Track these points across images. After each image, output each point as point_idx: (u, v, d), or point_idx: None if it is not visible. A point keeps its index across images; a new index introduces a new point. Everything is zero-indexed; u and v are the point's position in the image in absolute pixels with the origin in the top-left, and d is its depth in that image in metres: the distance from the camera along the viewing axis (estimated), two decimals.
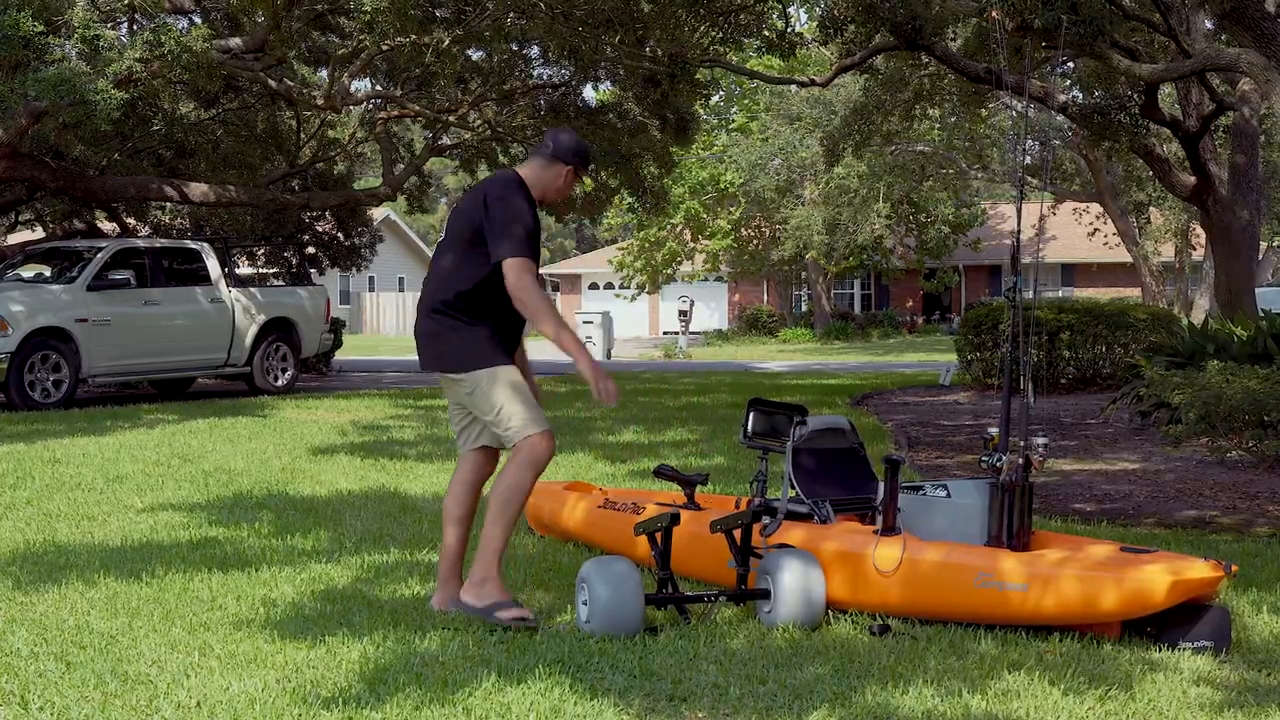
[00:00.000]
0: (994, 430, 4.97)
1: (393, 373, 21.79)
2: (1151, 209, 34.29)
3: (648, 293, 42.64)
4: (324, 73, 18.21)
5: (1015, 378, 5.04)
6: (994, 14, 10.94)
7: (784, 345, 37.66)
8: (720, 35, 15.33)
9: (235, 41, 15.17)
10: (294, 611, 4.95)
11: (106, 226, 19.74)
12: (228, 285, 16.04)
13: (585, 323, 28.96)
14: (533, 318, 4.73)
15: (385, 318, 48.13)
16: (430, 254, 5.52)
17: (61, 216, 19.28)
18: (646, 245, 40.12)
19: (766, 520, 5.21)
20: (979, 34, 14.08)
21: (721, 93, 37.54)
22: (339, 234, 22.00)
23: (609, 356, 28.67)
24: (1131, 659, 4.33)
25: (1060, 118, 21.86)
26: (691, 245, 40.65)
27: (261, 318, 16.31)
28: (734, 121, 39.89)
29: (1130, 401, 11.07)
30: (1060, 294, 38.53)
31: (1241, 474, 8.78)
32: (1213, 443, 9.09)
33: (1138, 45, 15.29)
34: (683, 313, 32.65)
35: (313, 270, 21.52)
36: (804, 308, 44.03)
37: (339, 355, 22.06)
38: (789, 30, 16.06)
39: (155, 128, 17.29)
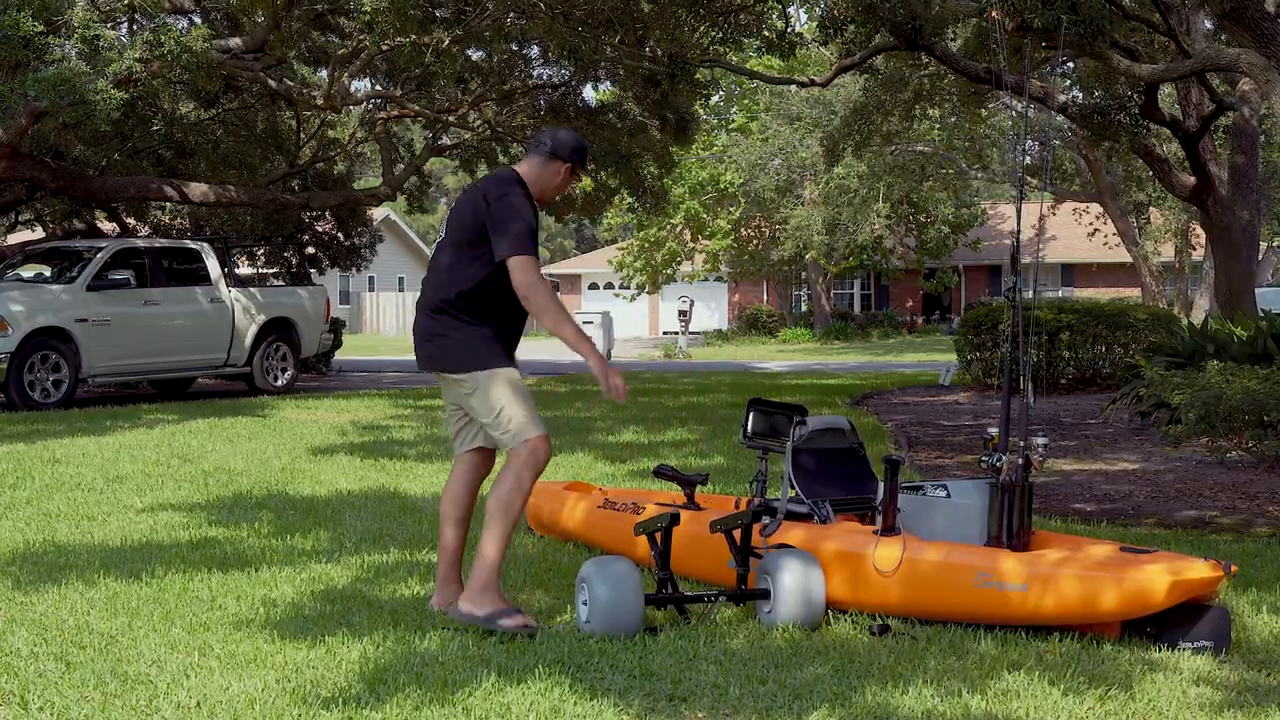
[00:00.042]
0: (994, 430, 4.98)
1: (393, 373, 21.79)
2: (1151, 209, 34.29)
3: (647, 293, 42.65)
4: (324, 73, 18.21)
5: (1015, 378, 5.04)
6: (994, 14, 10.94)
7: (784, 345, 37.67)
8: (720, 35, 15.34)
9: (235, 41, 15.17)
10: (294, 611, 4.95)
11: (106, 226, 19.74)
12: (228, 285, 16.05)
13: (585, 323, 28.93)
14: (540, 315, 4.70)
15: (385, 318, 48.12)
16: (430, 254, 5.39)
17: (61, 216, 19.28)
18: (646, 245, 40.13)
19: (766, 520, 5.21)
20: (979, 34, 14.08)
21: (721, 93, 37.55)
22: (339, 234, 22.00)
23: (609, 357, 28.68)
24: (1131, 659, 4.33)
25: (1060, 118, 21.87)
26: (691, 245, 40.66)
27: (261, 318, 16.32)
28: (734, 121, 39.89)
29: (1130, 402, 11.07)
30: (1060, 294, 38.54)
31: (1241, 474, 8.78)
32: (1213, 443, 9.09)
33: (1138, 45, 15.29)
34: (682, 313, 32.65)
35: (312, 270, 21.53)
36: (804, 308, 44.03)
37: (339, 355, 22.07)
38: (789, 30, 16.07)
39: (155, 128, 17.29)
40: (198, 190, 16.62)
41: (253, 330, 16.16)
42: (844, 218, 36.21)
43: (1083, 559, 4.58)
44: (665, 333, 43.64)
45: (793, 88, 29.77)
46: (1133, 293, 34.86)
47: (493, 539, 4.65)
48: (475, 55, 17.61)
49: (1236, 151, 15.93)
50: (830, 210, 36.24)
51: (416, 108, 18.20)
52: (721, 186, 38.83)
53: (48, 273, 15.94)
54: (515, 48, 17.27)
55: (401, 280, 50.62)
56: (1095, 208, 34.18)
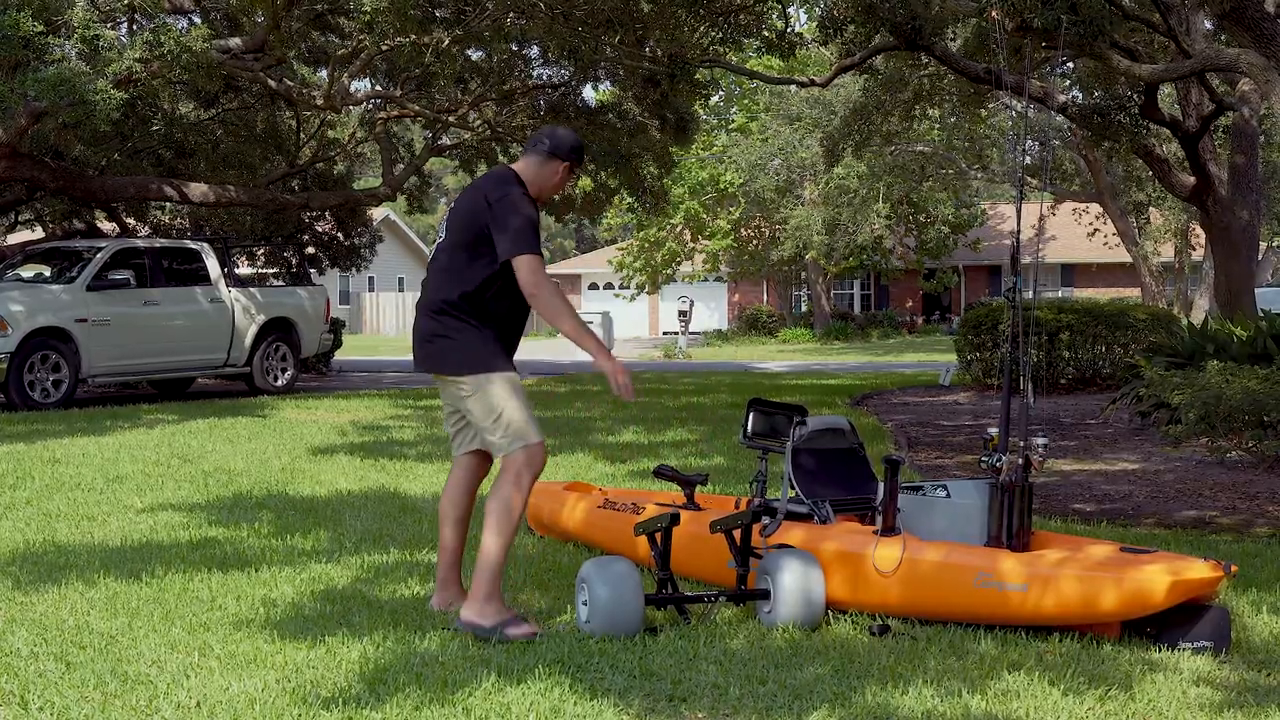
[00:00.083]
0: (994, 430, 4.98)
1: (392, 373, 21.79)
2: (1151, 209, 34.29)
3: (647, 293, 42.65)
4: (324, 73, 18.21)
5: (1015, 378, 5.04)
6: (994, 14, 10.94)
7: (784, 345, 37.66)
8: (720, 35, 15.33)
9: (235, 41, 15.17)
10: (294, 611, 4.95)
11: (106, 226, 19.74)
12: (227, 285, 16.05)
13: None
14: (548, 314, 4.67)
15: (385, 318, 48.12)
16: (429, 254, 5.33)
17: (61, 216, 19.28)
18: (646, 245, 40.12)
19: (766, 520, 5.21)
20: (979, 34, 14.07)
21: (721, 93, 37.54)
22: (339, 234, 22.00)
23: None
24: (1131, 659, 4.33)
25: (1060, 118, 21.87)
26: (691, 245, 40.66)
27: (261, 318, 16.32)
28: (734, 122, 39.90)
29: (1130, 402, 11.07)
30: (1060, 294, 38.54)
31: (1241, 474, 8.78)
32: (1212, 443, 9.09)
33: (1137, 45, 15.29)
34: (682, 313, 32.65)
35: (312, 270, 21.52)
36: (804, 308, 44.04)
37: (339, 355, 22.07)
38: (789, 30, 16.07)
39: (155, 128, 17.29)
40: (198, 190, 16.62)
41: (253, 330, 16.17)
42: (844, 218, 36.22)
43: (1083, 559, 4.58)
44: (665, 333, 43.65)
45: (792, 88, 29.78)
46: (1133, 293, 34.87)
47: (494, 548, 4.61)
48: (475, 55, 17.61)
49: (1236, 151, 15.93)
50: (830, 210, 36.24)
51: (416, 108, 18.20)
52: (721, 186, 38.83)
53: (48, 273, 15.94)
54: (515, 48, 17.27)
55: (401, 280, 50.62)
56: (1095, 208, 34.19)
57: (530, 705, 3.82)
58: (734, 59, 20.36)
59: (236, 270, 17.94)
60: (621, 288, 43.86)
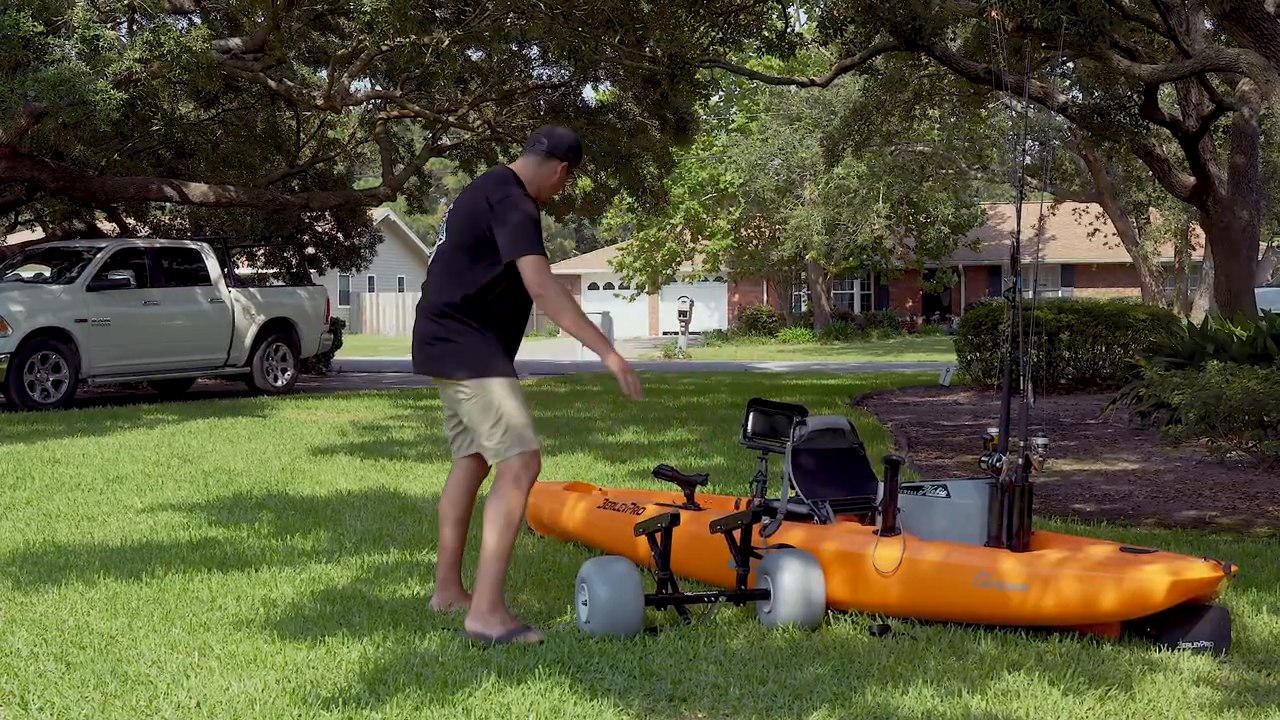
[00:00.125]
0: (994, 430, 4.98)
1: (392, 373, 21.79)
2: (1151, 209, 34.30)
3: (647, 293, 42.65)
4: (324, 73, 18.21)
5: (1015, 378, 5.04)
6: (994, 14, 10.94)
7: (784, 345, 37.66)
8: (720, 35, 15.33)
9: (235, 42, 15.17)
10: (294, 612, 4.95)
11: (106, 226, 19.74)
12: (227, 285, 16.04)
13: None
14: (555, 314, 4.63)
15: (385, 318, 48.13)
16: (430, 254, 5.30)
17: (61, 216, 19.28)
18: (646, 245, 40.12)
19: (766, 520, 5.21)
20: (979, 34, 14.07)
21: (721, 93, 37.54)
22: (339, 234, 22.00)
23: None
24: (1131, 659, 4.33)
25: (1060, 118, 21.86)
26: (691, 245, 40.66)
27: (261, 318, 16.32)
28: (734, 122, 39.90)
29: (1130, 402, 11.07)
30: (1060, 294, 38.53)
31: (1241, 474, 8.78)
32: (1212, 443, 9.09)
33: (1137, 45, 15.28)
34: (682, 313, 32.65)
35: (312, 270, 21.53)
36: (804, 308, 44.04)
37: (339, 355, 22.06)
38: (789, 30, 16.07)
39: (155, 128, 17.29)
40: (197, 190, 16.62)
41: (253, 330, 16.16)
42: (844, 218, 36.22)
43: (1083, 559, 4.58)
44: (665, 333, 43.65)
45: (792, 88, 29.78)
46: (1132, 293, 34.86)
47: (495, 558, 4.58)
48: (475, 55, 17.61)
49: (1236, 151, 15.93)
50: (830, 210, 36.24)
51: (416, 108, 18.20)
52: (721, 187, 38.83)
53: (48, 273, 15.93)
54: (515, 48, 17.27)
55: (401, 280, 50.63)
56: (1095, 208, 34.19)
57: (530, 705, 3.82)
58: (734, 59, 20.35)
59: (236, 270, 17.94)
60: (621, 288, 43.86)
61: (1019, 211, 5.45)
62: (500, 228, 4.63)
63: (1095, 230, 36.45)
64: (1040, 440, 4.91)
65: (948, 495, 5.13)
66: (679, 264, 40.76)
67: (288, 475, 8.66)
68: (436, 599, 5.01)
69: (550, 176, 4.87)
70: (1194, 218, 27.87)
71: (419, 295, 4.95)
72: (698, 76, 16.93)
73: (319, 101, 16.35)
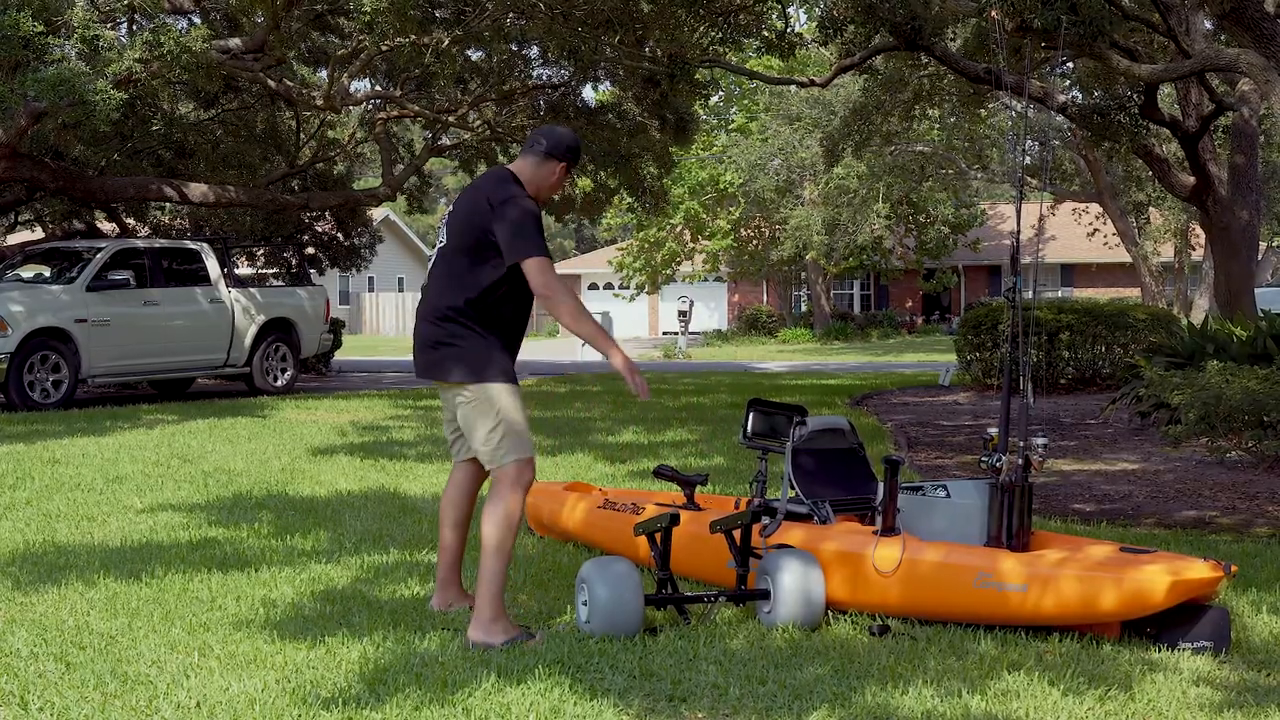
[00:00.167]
0: (993, 431, 4.98)
1: (392, 373, 21.79)
2: (1151, 209, 34.30)
3: (647, 293, 42.65)
4: (324, 73, 18.22)
5: (1015, 378, 5.04)
6: (994, 14, 10.94)
7: (783, 345, 37.67)
8: (720, 35, 15.33)
9: (235, 42, 15.17)
10: (294, 612, 4.95)
11: (106, 227, 19.74)
12: (227, 285, 16.05)
13: None
14: (562, 316, 4.61)
15: (385, 318, 48.14)
16: (430, 255, 5.25)
17: (61, 217, 19.29)
18: (646, 245, 40.12)
19: (766, 521, 5.21)
20: (978, 34, 14.08)
21: (721, 93, 37.54)
22: (339, 234, 22.00)
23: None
24: (1131, 659, 4.33)
25: (1060, 118, 21.86)
26: (691, 245, 40.66)
27: (261, 318, 16.32)
28: (733, 122, 39.90)
29: (1130, 402, 11.07)
30: (1060, 294, 38.54)
31: (1241, 474, 8.78)
32: (1212, 443, 9.09)
33: (1137, 46, 15.29)
34: (682, 313, 32.66)
35: (312, 271, 21.53)
36: (803, 308, 44.04)
37: (338, 356, 22.07)
38: (788, 30, 16.07)
39: (155, 128, 17.30)
40: (197, 190, 16.62)
41: (252, 331, 16.17)
42: (844, 218, 36.22)
43: (1082, 559, 4.58)
44: (665, 333, 43.65)
45: (792, 88, 29.77)
46: (1132, 293, 34.86)
47: (494, 567, 4.55)
48: (475, 55, 17.61)
49: (1236, 151, 15.93)
50: (830, 210, 36.24)
51: (416, 108, 18.20)
52: (721, 187, 38.83)
53: (47, 273, 15.94)
54: (515, 48, 17.27)
55: (401, 281, 50.63)
56: (1095, 208, 34.19)
57: (530, 705, 3.82)
58: (734, 59, 20.35)
59: (236, 270, 17.94)
60: (621, 288, 43.86)
61: (1019, 211, 5.45)
62: (502, 229, 4.59)
63: (1095, 230, 36.45)
64: (1040, 440, 4.91)
65: (947, 495, 5.13)
66: (679, 264, 40.76)
67: (288, 475, 8.66)
68: (436, 599, 5.01)
69: (549, 177, 4.84)
70: (1194, 218, 27.87)
71: (419, 296, 4.92)
72: (698, 76, 16.93)
73: (319, 101, 16.35)
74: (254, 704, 3.84)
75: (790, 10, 19.14)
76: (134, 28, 15.22)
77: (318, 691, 3.95)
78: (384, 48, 15.20)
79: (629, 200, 21.39)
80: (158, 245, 16.01)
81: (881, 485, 5.09)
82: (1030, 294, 5.59)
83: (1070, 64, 16.92)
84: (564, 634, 4.56)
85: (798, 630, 4.66)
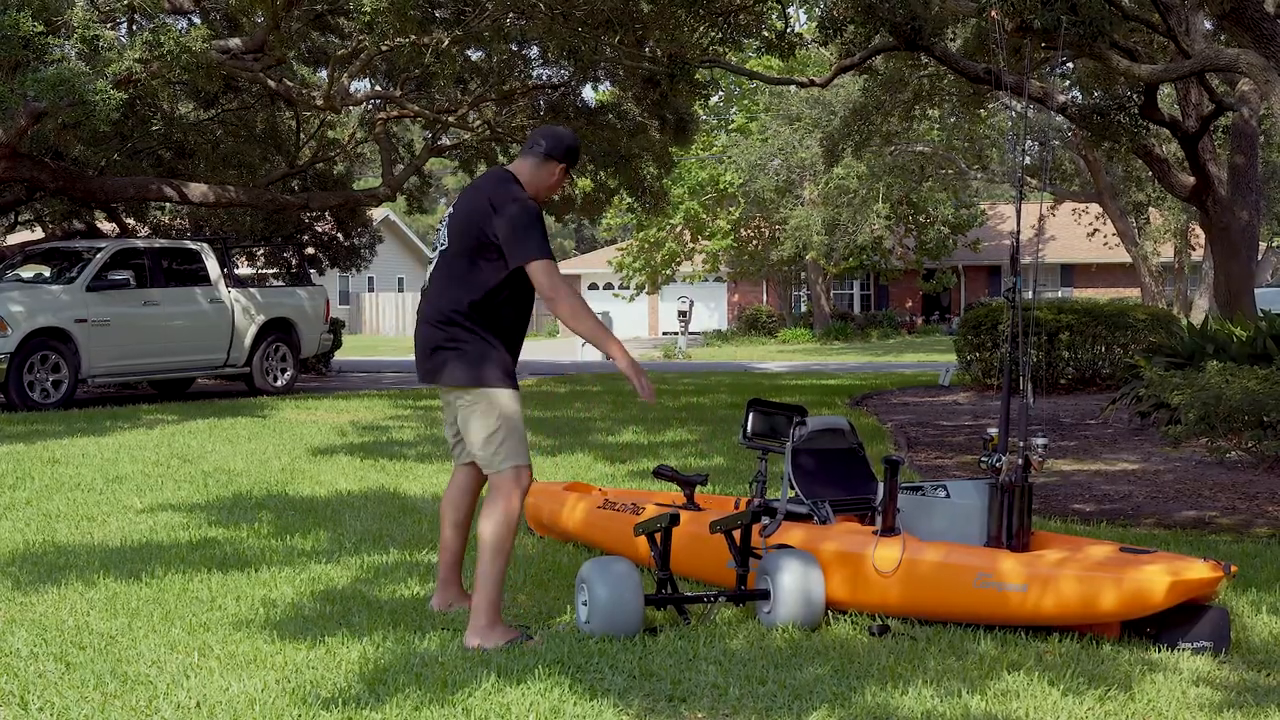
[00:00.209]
0: (993, 431, 4.98)
1: (392, 373, 21.80)
2: (1151, 209, 34.29)
3: (647, 293, 42.65)
4: (323, 73, 18.22)
5: (1015, 378, 5.04)
6: (994, 14, 10.94)
7: (783, 346, 37.67)
8: (719, 35, 15.34)
9: (235, 42, 15.17)
10: (294, 612, 4.95)
11: (106, 227, 19.74)
12: (227, 286, 16.04)
13: None
14: (568, 319, 4.60)
15: (384, 318, 48.14)
16: (432, 257, 5.21)
17: (61, 217, 19.29)
18: (646, 246, 40.12)
19: (766, 521, 5.21)
20: (978, 34, 14.07)
21: (721, 93, 37.53)
22: (338, 234, 22.00)
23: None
24: (1131, 659, 4.33)
25: (1060, 118, 21.86)
26: (691, 246, 40.66)
27: (261, 318, 16.32)
28: (733, 122, 39.90)
29: (1130, 402, 11.08)
30: (1060, 294, 38.53)
31: (1241, 474, 8.78)
32: (1212, 443, 9.09)
33: (1137, 46, 15.28)
34: (682, 313, 32.65)
35: (312, 271, 21.53)
36: (803, 308, 44.05)
37: (338, 356, 22.07)
38: (788, 30, 16.07)
39: (154, 128, 17.30)
40: (197, 190, 16.62)
41: (252, 331, 16.17)
42: (843, 218, 36.22)
43: (1082, 559, 4.58)
44: (665, 333, 43.65)
45: (792, 88, 29.77)
46: (1132, 293, 34.86)
47: (491, 573, 4.54)
48: (475, 56, 17.61)
49: (1236, 152, 15.93)
50: (830, 210, 36.25)
51: (416, 108, 18.20)
52: (721, 187, 38.83)
53: (47, 273, 15.94)
54: (515, 48, 17.27)
55: (401, 281, 50.63)
56: (1095, 208, 34.19)
57: (530, 705, 3.82)
58: (734, 59, 20.36)
59: (236, 270, 17.94)
60: (621, 288, 43.86)
61: (1019, 212, 5.45)
62: (505, 232, 4.57)
63: (1095, 230, 36.45)
64: (1040, 440, 4.91)
65: (947, 495, 5.13)
66: (679, 264, 40.76)
67: (288, 475, 8.66)
68: (436, 599, 5.01)
69: (549, 178, 4.83)
70: (1194, 218, 27.86)
71: (419, 297, 4.90)
72: (697, 76, 16.93)
73: (319, 102, 16.35)
74: (254, 704, 3.84)
75: (790, 10, 19.15)
76: (134, 28, 15.22)
77: (318, 691, 3.95)
78: (384, 48, 15.20)
79: (629, 200, 21.39)
80: (158, 245, 16.01)
81: (881, 485, 5.09)
82: (1030, 294, 5.59)
83: (1070, 64, 16.92)
84: (564, 634, 4.56)
85: (798, 630, 4.66)
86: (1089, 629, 4.57)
